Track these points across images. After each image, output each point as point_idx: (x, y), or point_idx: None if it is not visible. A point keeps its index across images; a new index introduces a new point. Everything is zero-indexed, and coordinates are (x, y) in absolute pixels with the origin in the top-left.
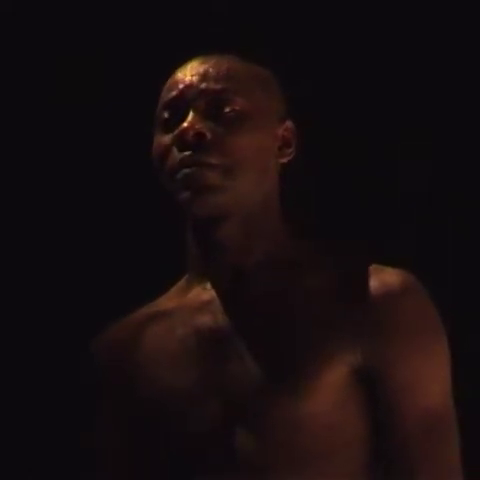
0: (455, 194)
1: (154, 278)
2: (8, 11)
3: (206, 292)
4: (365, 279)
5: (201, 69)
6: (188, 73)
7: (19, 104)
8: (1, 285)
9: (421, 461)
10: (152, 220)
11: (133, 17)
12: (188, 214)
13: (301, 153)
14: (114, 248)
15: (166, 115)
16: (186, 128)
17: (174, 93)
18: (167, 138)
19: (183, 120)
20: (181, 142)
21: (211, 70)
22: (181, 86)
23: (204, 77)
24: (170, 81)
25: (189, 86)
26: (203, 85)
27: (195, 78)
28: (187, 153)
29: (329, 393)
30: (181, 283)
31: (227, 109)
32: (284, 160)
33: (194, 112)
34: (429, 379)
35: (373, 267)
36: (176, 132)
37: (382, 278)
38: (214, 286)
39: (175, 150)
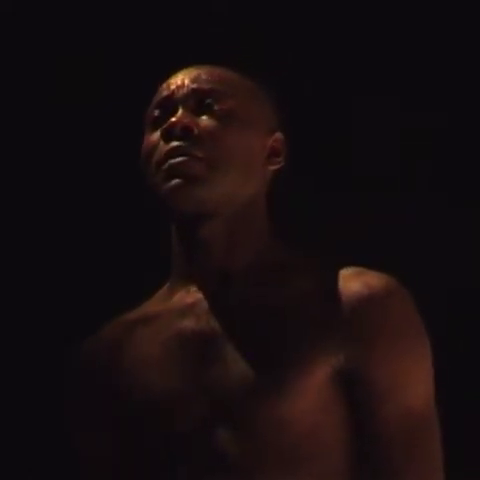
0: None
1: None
2: (8, 11)
3: (190, 295)
4: (349, 282)
5: (194, 73)
6: (180, 76)
7: (19, 104)
8: None
9: (405, 462)
10: (152, 220)
11: (133, 17)
12: (172, 210)
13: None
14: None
15: (156, 113)
16: (174, 122)
17: (165, 93)
18: (156, 135)
19: (172, 116)
20: (168, 135)
21: (203, 74)
22: (173, 87)
23: (196, 79)
24: (162, 85)
25: (180, 86)
26: (194, 85)
27: (187, 80)
28: (174, 144)
29: (313, 394)
30: (165, 287)
31: (216, 107)
32: (273, 167)
33: (183, 109)
34: (412, 381)
35: (357, 270)
36: (164, 126)
37: (366, 281)
38: (199, 287)
39: (162, 144)
